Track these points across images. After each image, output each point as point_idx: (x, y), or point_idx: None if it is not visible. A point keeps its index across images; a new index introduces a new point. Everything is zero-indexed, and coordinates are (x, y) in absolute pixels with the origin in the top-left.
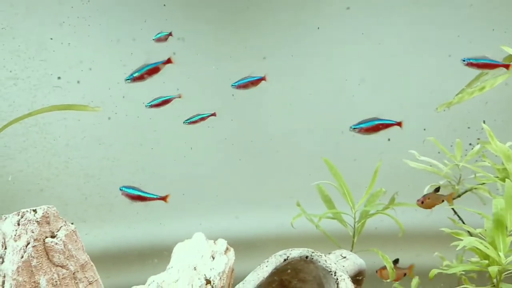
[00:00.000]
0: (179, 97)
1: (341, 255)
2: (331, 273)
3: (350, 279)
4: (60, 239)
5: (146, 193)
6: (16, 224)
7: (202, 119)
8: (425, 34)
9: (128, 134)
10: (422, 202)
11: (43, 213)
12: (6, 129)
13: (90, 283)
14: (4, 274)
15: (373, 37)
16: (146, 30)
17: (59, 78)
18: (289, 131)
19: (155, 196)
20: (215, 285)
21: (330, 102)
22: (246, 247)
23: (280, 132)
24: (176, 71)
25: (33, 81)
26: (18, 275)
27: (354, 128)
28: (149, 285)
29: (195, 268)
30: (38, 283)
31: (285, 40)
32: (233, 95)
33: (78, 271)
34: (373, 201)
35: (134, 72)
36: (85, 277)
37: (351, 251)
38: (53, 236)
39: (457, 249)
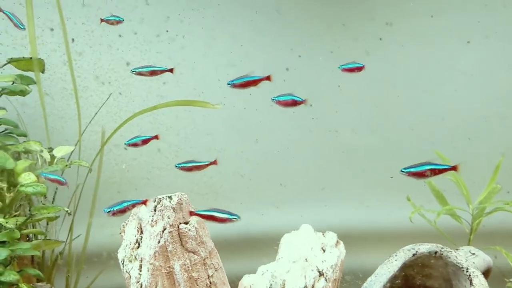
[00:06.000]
0: (304, 102)
1: (469, 251)
2: (462, 269)
3: (482, 275)
4: (193, 226)
5: (129, 201)
6: (153, 210)
7: (144, 141)
8: None
9: (234, 125)
10: None
11: (177, 200)
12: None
13: (216, 270)
14: (141, 258)
15: (481, 28)
16: (256, 22)
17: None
18: (396, 123)
19: (138, 201)
20: (328, 278)
21: (435, 94)
22: (347, 240)
23: (386, 124)
24: (282, 56)
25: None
26: (155, 259)
27: None
28: (262, 274)
29: (306, 260)
30: (173, 268)
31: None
32: (339, 86)
33: (207, 257)
34: (490, 198)
35: (236, 80)
36: (212, 263)
37: None
38: (186, 223)
39: None
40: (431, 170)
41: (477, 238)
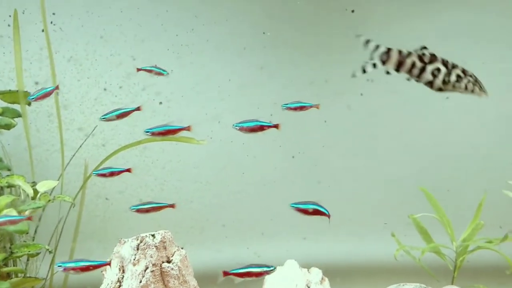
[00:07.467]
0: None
1: None
2: None
3: None
4: (176, 264)
5: (91, 261)
6: (135, 249)
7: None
8: None
9: (221, 158)
10: None
11: (161, 238)
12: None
13: None
14: None
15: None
16: (244, 58)
17: (160, 103)
18: (380, 157)
19: (103, 263)
20: None
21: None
22: (332, 277)
23: (372, 158)
24: (268, 99)
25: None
26: None
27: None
28: None
29: None
30: None
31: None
32: (325, 121)
33: None
34: (473, 234)
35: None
36: None
37: None
38: (169, 261)
39: None
40: (313, 209)
41: (461, 274)
